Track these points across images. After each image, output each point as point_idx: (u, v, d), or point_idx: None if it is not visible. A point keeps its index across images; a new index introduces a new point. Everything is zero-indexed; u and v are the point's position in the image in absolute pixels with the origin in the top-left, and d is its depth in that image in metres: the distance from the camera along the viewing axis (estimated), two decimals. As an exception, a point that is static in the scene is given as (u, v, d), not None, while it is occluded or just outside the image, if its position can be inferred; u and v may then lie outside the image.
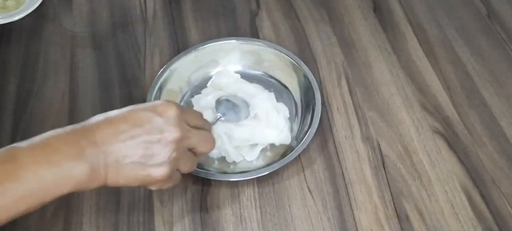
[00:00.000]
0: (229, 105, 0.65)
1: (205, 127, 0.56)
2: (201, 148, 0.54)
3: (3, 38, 0.79)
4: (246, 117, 0.64)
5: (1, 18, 0.77)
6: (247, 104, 0.65)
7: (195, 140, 0.52)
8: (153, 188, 0.52)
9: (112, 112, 0.50)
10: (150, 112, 0.50)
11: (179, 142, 0.50)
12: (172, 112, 0.50)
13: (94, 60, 0.75)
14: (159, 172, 0.49)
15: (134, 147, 0.48)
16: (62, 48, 0.77)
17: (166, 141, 0.49)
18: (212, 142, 0.55)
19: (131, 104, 0.68)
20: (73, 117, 0.68)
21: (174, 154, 0.50)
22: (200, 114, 0.57)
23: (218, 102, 0.65)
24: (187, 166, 0.53)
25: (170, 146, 0.49)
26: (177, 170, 0.52)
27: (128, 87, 0.72)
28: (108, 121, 0.49)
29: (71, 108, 0.69)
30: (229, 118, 0.63)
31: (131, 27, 0.80)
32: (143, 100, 0.69)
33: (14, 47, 0.77)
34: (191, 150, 0.53)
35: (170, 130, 0.49)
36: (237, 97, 0.66)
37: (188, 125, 0.52)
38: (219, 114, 0.63)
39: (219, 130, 0.62)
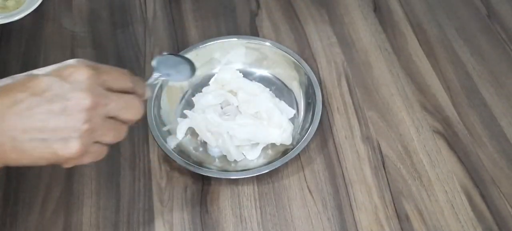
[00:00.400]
0: (170, 63, 0.56)
1: (131, 90, 0.47)
2: (124, 115, 0.45)
3: (3, 38, 0.79)
4: (190, 77, 0.57)
5: (1, 18, 0.77)
6: (191, 62, 0.58)
7: (115, 106, 0.44)
8: (67, 166, 0.44)
9: (11, 78, 0.43)
10: (53, 77, 0.42)
11: (91, 110, 0.42)
12: (81, 75, 0.42)
13: (94, 60, 0.73)
14: (68, 149, 0.42)
15: (33, 120, 0.41)
16: (62, 48, 0.77)
17: (73, 110, 0.41)
18: (138, 107, 0.46)
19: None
20: (73, 116, 0.68)
21: (85, 126, 0.42)
22: (125, 75, 0.47)
23: (158, 61, 0.55)
24: (110, 137, 0.45)
25: (79, 116, 0.41)
26: (97, 142, 0.44)
27: (128, 87, 0.71)
28: (2, 90, 0.41)
29: (71, 108, 0.69)
30: (172, 78, 0.56)
31: (131, 27, 0.80)
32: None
33: (14, 47, 0.77)
34: (113, 118, 0.45)
35: (78, 96, 0.41)
36: (180, 55, 0.58)
37: (107, 88, 0.44)
38: (157, 74, 0.54)
39: (221, 129, 0.62)
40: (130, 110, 0.46)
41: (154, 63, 0.54)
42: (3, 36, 0.79)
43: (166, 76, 0.54)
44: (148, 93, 0.50)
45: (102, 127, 0.44)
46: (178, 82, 0.56)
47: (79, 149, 0.42)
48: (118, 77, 0.46)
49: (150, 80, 0.52)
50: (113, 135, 0.45)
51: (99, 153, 0.45)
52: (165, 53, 0.56)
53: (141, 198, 0.61)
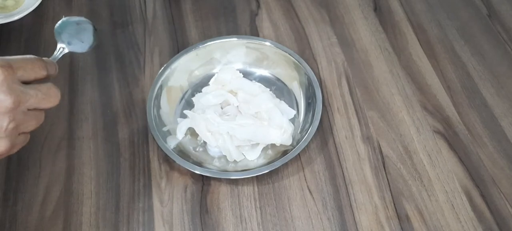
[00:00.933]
0: (72, 31, 0.54)
1: (47, 75, 0.48)
2: (44, 105, 0.47)
3: (2, 38, 0.79)
4: (93, 44, 0.55)
5: (1, 18, 0.77)
6: (93, 27, 0.55)
7: (35, 100, 0.45)
8: None
9: None
10: None
11: (13, 110, 0.43)
12: None
13: (94, 60, 0.75)
14: None
15: None
16: (62, 48, 0.77)
17: None
18: (56, 95, 0.48)
19: (131, 104, 0.69)
20: (73, 116, 0.68)
21: (11, 125, 0.44)
22: (38, 63, 0.47)
23: (60, 28, 0.53)
24: (32, 126, 0.47)
25: (3, 118, 0.43)
26: (22, 133, 0.46)
27: (128, 87, 0.72)
28: None
29: (71, 108, 0.69)
30: (75, 48, 0.53)
31: (131, 27, 0.79)
32: (143, 100, 0.69)
33: (13, 47, 0.77)
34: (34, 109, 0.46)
35: None
36: (84, 20, 0.55)
37: (25, 81, 0.45)
38: (61, 45, 0.52)
39: (221, 129, 0.62)
40: (49, 99, 0.47)
41: (57, 29, 0.52)
42: (3, 36, 0.79)
43: (69, 46, 0.53)
44: (57, 70, 0.50)
45: (24, 120, 0.45)
46: (81, 51, 0.54)
47: (8, 147, 0.44)
48: (32, 68, 0.46)
49: (55, 55, 0.52)
50: (35, 123, 0.47)
51: (24, 141, 0.47)
52: (64, 18, 0.54)
53: (140, 198, 0.61)
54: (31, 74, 0.46)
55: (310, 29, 0.78)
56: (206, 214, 0.59)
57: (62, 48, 0.52)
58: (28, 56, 0.47)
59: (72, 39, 0.53)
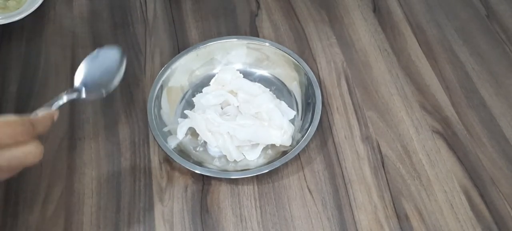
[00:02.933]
0: (94, 72, 0.47)
1: (23, 135, 0.43)
2: (17, 168, 0.43)
3: (4, 39, 0.79)
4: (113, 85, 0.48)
5: (2, 18, 0.77)
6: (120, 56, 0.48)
7: (7, 164, 0.42)
8: None
9: None
10: None
11: None
12: None
13: (95, 61, 0.75)
14: None
15: None
16: (63, 49, 0.77)
17: None
18: (35, 157, 0.43)
19: (132, 104, 0.70)
20: (74, 117, 0.69)
21: None
22: (10, 124, 0.42)
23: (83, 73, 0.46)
24: (6, 174, 0.43)
25: None
26: None
27: (128, 87, 0.72)
28: None
29: (71, 109, 0.70)
30: (91, 93, 0.46)
31: (131, 28, 0.80)
32: (144, 100, 0.69)
33: (14, 47, 0.78)
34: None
35: None
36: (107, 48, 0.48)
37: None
38: (68, 95, 0.46)
39: (221, 129, 0.63)
40: (24, 162, 0.43)
41: (78, 78, 0.46)
42: (4, 36, 0.79)
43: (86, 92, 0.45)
44: (55, 116, 0.46)
45: None
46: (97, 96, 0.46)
47: None
48: (5, 130, 0.42)
49: (57, 102, 0.47)
50: (6, 175, 0.44)
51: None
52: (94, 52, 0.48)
53: (141, 198, 0.61)
54: (6, 141, 0.42)
55: (309, 29, 0.78)
56: (207, 213, 0.60)
57: (76, 93, 0.45)
58: (9, 119, 0.43)
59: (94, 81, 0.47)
